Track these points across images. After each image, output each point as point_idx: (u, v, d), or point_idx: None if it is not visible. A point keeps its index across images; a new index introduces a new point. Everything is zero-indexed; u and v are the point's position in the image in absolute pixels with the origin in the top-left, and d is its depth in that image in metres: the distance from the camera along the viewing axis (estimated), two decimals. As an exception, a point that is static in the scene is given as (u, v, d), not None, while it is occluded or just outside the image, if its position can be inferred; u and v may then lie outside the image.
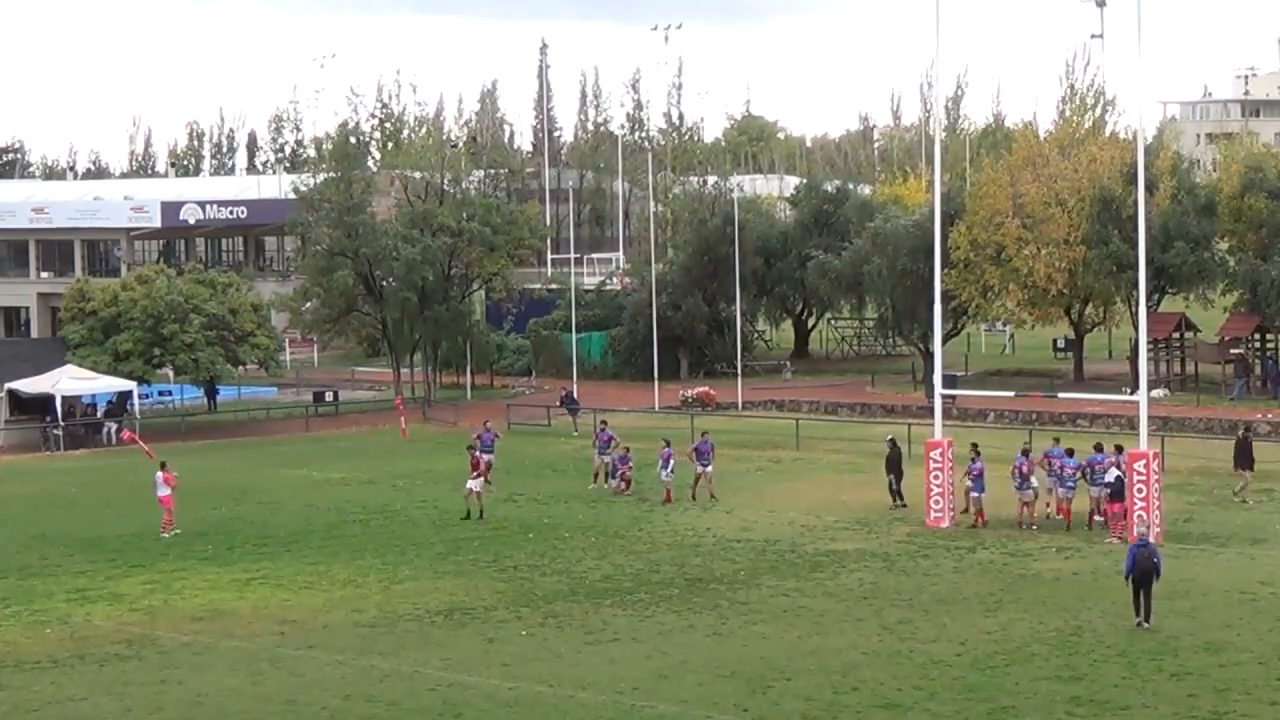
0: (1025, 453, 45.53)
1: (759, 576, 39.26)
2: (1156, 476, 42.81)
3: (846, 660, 31.52)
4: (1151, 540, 35.28)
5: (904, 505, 47.53)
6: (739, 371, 76.22)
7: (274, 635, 34.77)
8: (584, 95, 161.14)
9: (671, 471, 50.33)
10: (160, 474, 47.01)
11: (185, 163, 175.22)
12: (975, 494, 45.03)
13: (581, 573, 40.21)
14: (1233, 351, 72.37)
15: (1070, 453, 45.40)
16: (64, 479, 58.90)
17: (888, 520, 46.00)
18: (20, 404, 70.41)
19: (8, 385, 70.16)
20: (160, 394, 79.18)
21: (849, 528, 45.17)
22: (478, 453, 48.84)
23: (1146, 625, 33.30)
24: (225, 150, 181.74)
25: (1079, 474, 44.69)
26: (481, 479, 48.24)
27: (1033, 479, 44.59)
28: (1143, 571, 33.60)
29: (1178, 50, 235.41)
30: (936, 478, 45.15)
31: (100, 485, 55.84)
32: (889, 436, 50.40)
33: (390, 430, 68.65)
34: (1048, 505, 45.09)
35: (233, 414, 77.08)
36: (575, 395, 70.77)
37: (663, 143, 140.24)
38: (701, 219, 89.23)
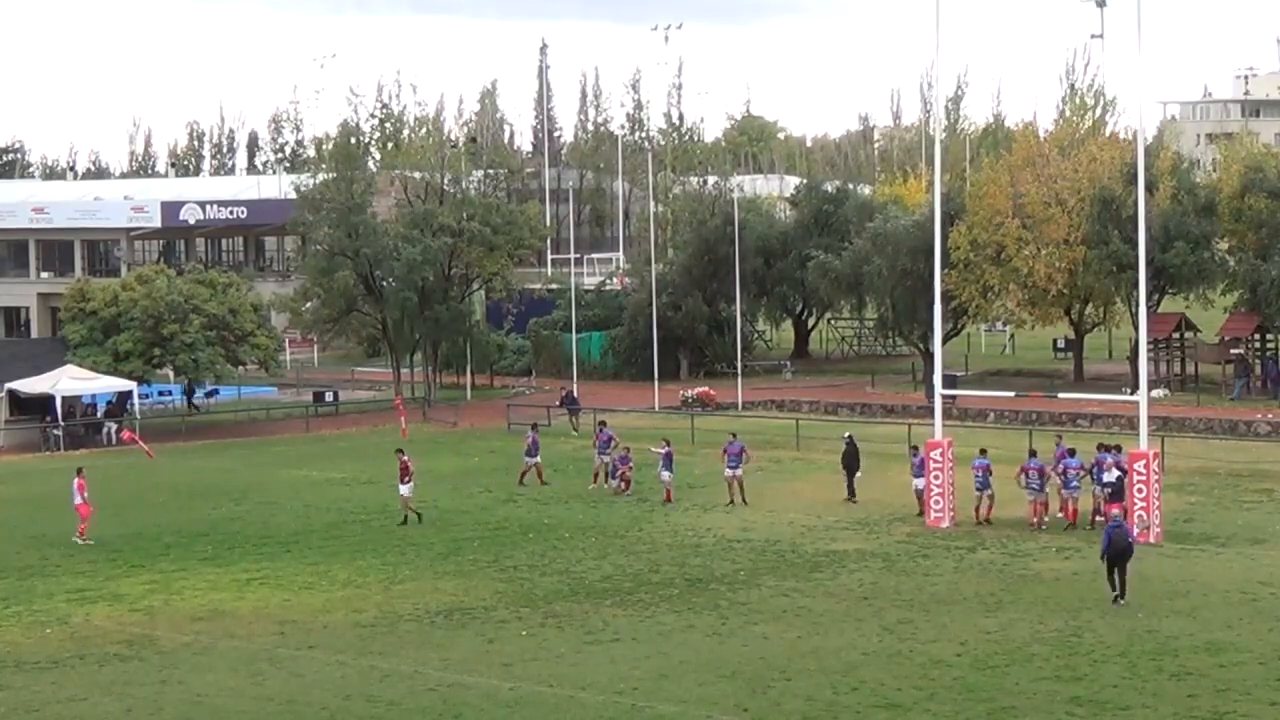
0: (1038, 455, 45.45)
1: (759, 576, 39.27)
2: (1156, 476, 42.82)
3: (846, 660, 31.52)
4: (1124, 521, 36.15)
5: (853, 501, 48.17)
6: (739, 371, 76.21)
7: (274, 635, 34.76)
8: (584, 95, 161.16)
9: (671, 471, 50.35)
10: (76, 480, 46.67)
11: (185, 163, 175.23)
12: (979, 491, 45.08)
13: (581, 573, 40.21)
14: (1233, 351, 72.36)
15: (1071, 452, 45.41)
16: (64, 479, 58.61)
17: (888, 520, 46.02)
18: (20, 404, 70.37)
19: (8, 385, 70.11)
20: (160, 394, 79.18)
21: (849, 528, 45.19)
22: (405, 458, 48.55)
23: (1123, 601, 34.42)
24: (225, 150, 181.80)
25: (1083, 473, 44.66)
26: (411, 484, 47.98)
27: (1046, 480, 44.60)
28: (1118, 550, 34.71)
29: (1178, 50, 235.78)
30: (937, 478, 45.17)
31: (100, 485, 55.64)
32: (846, 434, 51.03)
33: (390, 430, 68.57)
34: (1060, 507, 45.13)
35: (232, 414, 77.07)
36: (575, 395, 70.79)
37: (663, 143, 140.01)
38: (701, 219, 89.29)
